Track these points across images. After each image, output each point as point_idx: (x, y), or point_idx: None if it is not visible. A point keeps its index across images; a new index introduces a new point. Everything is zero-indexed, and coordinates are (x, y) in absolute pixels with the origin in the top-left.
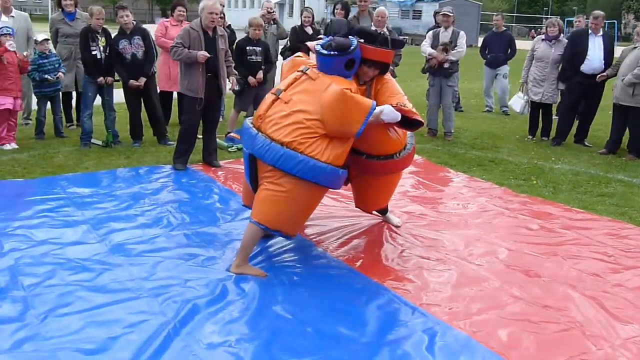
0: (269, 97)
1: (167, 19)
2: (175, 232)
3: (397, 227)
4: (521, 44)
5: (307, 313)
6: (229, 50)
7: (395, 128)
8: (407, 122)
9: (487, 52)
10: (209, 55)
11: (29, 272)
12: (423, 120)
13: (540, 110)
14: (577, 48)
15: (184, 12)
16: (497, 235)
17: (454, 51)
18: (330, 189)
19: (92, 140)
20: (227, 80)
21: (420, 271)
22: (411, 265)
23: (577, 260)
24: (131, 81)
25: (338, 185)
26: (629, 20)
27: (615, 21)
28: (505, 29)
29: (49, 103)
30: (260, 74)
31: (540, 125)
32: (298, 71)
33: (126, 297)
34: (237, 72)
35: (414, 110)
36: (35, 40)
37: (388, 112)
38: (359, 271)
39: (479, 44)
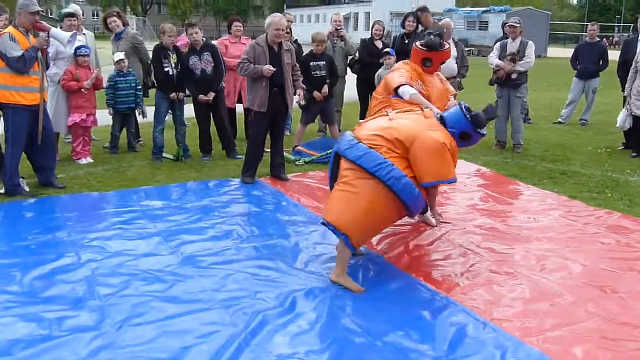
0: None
1: (226, 37)
2: (244, 244)
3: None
4: None
5: (376, 326)
6: (297, 65)
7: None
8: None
9: (577, 62)
10: (273, 69)
11: (105, 282)
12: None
13: None
14: (627, 55)
15: (240, 27)
16: (570, 249)
17: (522, 62)
18: (405, 204)
19: (164, 155)
20: (295, 93)
21: (490, 285)
22: (481, 279)
23: None
24: (200, 96)
25: (412, 201)
26: None
27: None
28: (598, 39)
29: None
30: (325, 89)
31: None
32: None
33: (198, 308)
34: (304, 86)
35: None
36: (113, 60)
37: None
38: (427, 285)
39: (548, 54)
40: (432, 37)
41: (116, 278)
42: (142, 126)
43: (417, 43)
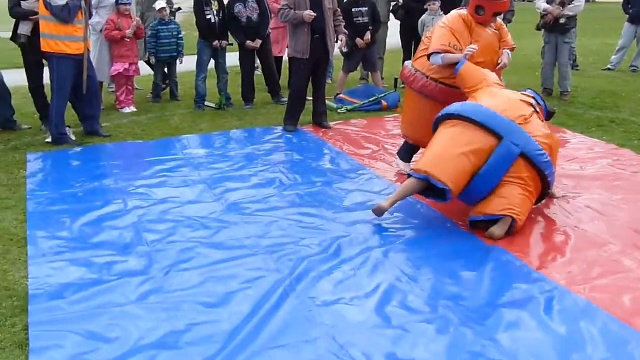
0: (525, 107)
1: None
2: (287, 192)
3: None
4: None
5: (423, 273)
6: (338, 10)
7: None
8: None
9: (630, 6)
10: (314, 14)
11: (152, 228)
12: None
13: None
14: None
15: None
16: (619, 198)
17: (571, 5)
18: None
19: (206, 103)
20: (337, 39)
21: (535, 233)
22: (526, 227)
23: None
24: (248, 42)
25: None
26: None
27: None
28: None
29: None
30: (367, 35)
31: None
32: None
33: (243, 254)
34: (346, 32)
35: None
36: (153, 8)
37: None
38: (473, 233)
39: None
40: None
41: (162, 224)
42: (182, 75)
43: None
